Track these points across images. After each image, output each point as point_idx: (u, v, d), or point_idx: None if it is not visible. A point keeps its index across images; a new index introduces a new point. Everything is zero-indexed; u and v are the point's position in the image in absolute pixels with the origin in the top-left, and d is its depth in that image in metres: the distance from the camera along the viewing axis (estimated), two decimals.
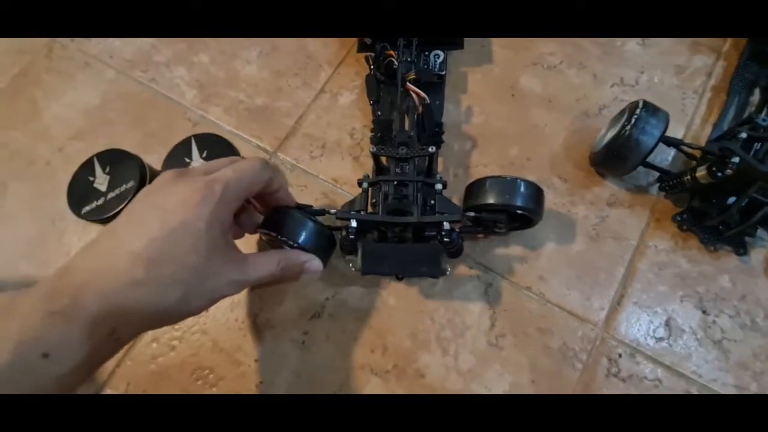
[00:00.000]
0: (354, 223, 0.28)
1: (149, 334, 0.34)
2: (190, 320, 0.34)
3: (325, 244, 0.30)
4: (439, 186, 0.30)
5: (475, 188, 0.30)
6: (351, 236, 0.29)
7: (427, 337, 0.33)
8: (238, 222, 0.30)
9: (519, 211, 0.29)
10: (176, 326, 0.34)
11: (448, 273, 0.27)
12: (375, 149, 0.31)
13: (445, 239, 0.28)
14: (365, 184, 0.31)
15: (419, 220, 0.29)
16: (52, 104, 0.43)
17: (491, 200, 0.28)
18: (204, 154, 0.35)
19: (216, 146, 0.35)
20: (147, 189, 0.24)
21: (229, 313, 0.34)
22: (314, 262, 0.29)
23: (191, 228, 0.22)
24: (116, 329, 0.21)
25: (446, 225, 0.28)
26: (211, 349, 0.34)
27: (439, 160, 0.36)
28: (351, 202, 0.31)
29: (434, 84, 0.36)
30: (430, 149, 0.30)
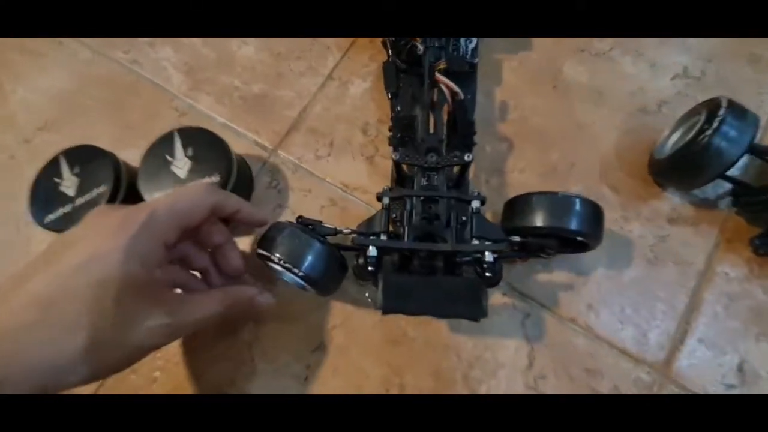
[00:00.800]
0: (374, 251, 0.23)
1: None
2: (173, 347, 0.29)
3: (335, 271, 0.25)
4: (476, 203, 0.24)
5: (518, 206, 0.24)
6: (370, 267, 0.23)
7: (453, 375, 0.28)
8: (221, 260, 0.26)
9: (574, 237, 0.23)
10: (158, 354, 0.29)
11: (488, 314, 0.22)
12: (398, 156, 0.25)
13: (487, 273, 0.23)
14: (386, 200, 0.25)
15: (455, 248, 0.23)
16: (19, 88, 0.37)
17: (540, 222, 0.23)
18: (189, 152, 0.29)
19: (204, 142, 0.29)
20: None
21: (218, 342, 0.29)
22: (264, 297, 0.25)
23: (102, 262, 0.19)
24: (4, 380, 0.17)
25: (488, 256, 0.23)
26: (198, 382, 0.29)
27: None
28: (369, 222, 0.26)
29: (465, 74, 0.30)
30: (466, 157, 0.25)
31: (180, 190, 0.23)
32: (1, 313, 0.18)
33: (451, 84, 0.27)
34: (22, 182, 0.32)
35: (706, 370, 0.27)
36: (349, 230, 0.25)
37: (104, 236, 0.20)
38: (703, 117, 0.26)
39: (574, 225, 0.23)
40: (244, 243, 0.31)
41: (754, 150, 0.26)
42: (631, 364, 0.27)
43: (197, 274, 0.27)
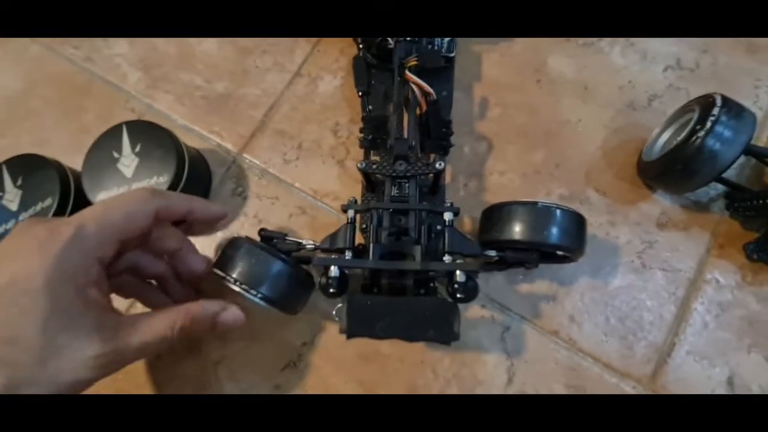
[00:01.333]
0: (336, 271, 0.21)
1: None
2: (133, 366, 0.27)
3: (298, 290, 0.23)
4: (449, 215, 0.22)
5: (495, 217, 0.22)
6: (331, 289, 0.21)
7: (429, 393, 0.26)
8: (181, 266, 0.23)
9: (555, 251, 0.21)
10: (118, 375, 0.28)
11: (460, 338, 0.21)
12: (364, 165, 0.23)
13: (458, 294, 0.21)
14: (351, 212, 0.23)
15: (423, 267, 0.21)
16: None
17: (518, 236, 0.21)
18: (137, 148, 0.27)
19: (153, 138, 0.27)
20: None
21: (180, 359, 0.27)
22: (230, 313, 0.22)
23: (21, 287, 0.17)
24: None
25: (460, 276, 0.21)
26: None
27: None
28: (333, 236, 0.24)
29: (441, 70, 0.28)
30: (437, 165, 0.22)
31: (114, 199, 0.21)
32: None
33: (422, 83, 0.24)
34: None
35: (694, 384, 0.26)
36: (312, 245, 0.23)
37: (26, 256, 0.17)
38: (695, 116, 0.24)
39: (554, 239, 0.21)
40: (209, 247, 0.29)
41: (751, 151, 0.24)
42: (615, 379, 0.26)
43: (154, 282, 0.25)
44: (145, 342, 0.20)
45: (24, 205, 0.27)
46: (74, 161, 0.29)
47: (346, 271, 0.22)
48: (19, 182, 0.27)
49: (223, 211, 0.25)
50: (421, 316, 0.21)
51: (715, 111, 0.23)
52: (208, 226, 0.27)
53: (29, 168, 0.27)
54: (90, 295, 0.19)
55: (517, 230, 0.21)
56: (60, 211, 0.26)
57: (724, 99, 0.24)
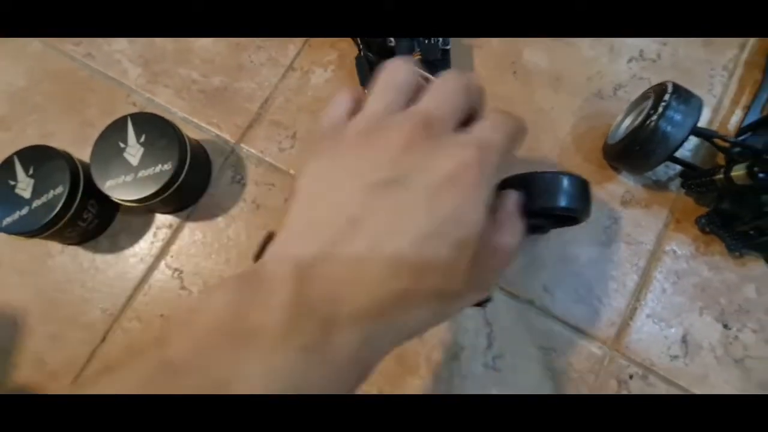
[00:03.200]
0: None
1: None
2: None
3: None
4: None
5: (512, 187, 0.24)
6: None
7: (416, 360, 0.29)
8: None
9: (566, 213, 0.23)
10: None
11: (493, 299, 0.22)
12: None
13: None
14: None
15: None
16: None
17: (539, 205, 0.22)
18: (142, 138, 0.29)
19: (157, 129, 0.29)
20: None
21: None
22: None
23: (467, 219, 0.16)
24: (368, 368, 0.16)
25: None
26: None
27: None
28: None
29: (439, 62, 0.30)
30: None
31: (498, 119, 0.19)
32: (363, 282, 0.15)
33: (428, 75, 0.27)
34: None
35: (653, 343, 0.29)
36: None
37: (465, 188, 0.16)
38: (650, 102, 0.27)
39: (567, 203, 0.22)
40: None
41: (698, 133, 0.27)
42: (584, 341, 0.29)
43: None
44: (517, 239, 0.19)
45: (36, 193, 0.28)
46: (79, 152, 0.31)
47: None
48: (31, 171, 0.29)
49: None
50: None
51: (667, 97, 0.26)
52: None
53: (40, 158, 0.29)
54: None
55: (538, 199, 0.22)
56: (70, 199, 0.28)
57: (675, 86, 0.26)
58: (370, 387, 0.29)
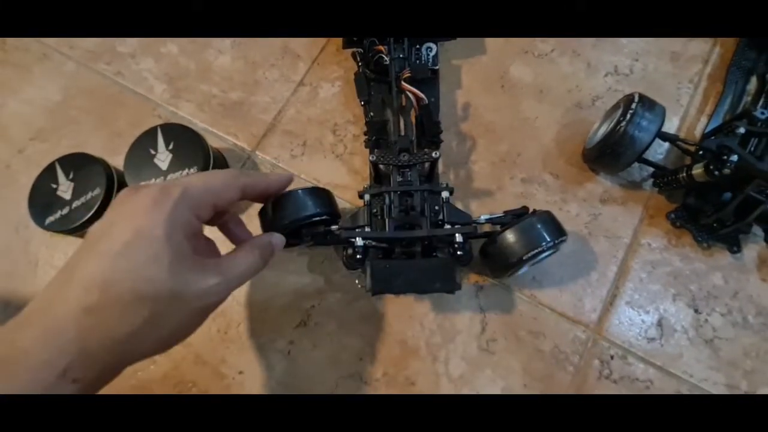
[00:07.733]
0: (360, 242, 0.27)
1: None
2: None
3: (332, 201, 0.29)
4: (446, 194, 0.28)
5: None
6: (358, 256, 0.27)
7: (417, 343, 0.32)
8: (230, 236, 0.28)
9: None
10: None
11: (461, 288, 0.26)
12: (374, 157, 0.29)
13: (458, 252, 0.27)
14: (367, 196, 0.29)
15: (430, 233, 0.27)
16: (9, 101, 0.40)
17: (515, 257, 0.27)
18: (171, 146, 0.32)
19: (183, 138, 0.32)
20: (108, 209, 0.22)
21: (210, 323, 0.33)
22: (276, 237, 0.26)
23: (147, 237, 0.19)
24: (68, 370, 0.18)
25: (459, 237, 0.27)
26: (194, 361, 0.32)
27: None
28: (353, 217, 0.29)
29: (428, 80, 0.34)
30: (434, 154, 0.28)
31: (211, 172, 0.24)
32: (59, 303, 0.18)
33: (416, 90, 0.30)
34: (18, 189, 0.35)
35: (631, 327, 0.32)
36: (337, 227, 0.29)
37: (143, 214, 0.20)
38: (620, 110, 0.30)
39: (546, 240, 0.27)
40: None
41: (663, 137, 0.30)
42: (569, 325, 0.32)
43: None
44: (244, 270, 0.23)
45: (76, 195, 0.32)
46: (111, 160, 0.34)
47: (367, 243, 0.27)
48: (71, 176, 0.32)
49: (289, 176, 0.27)
50: (429, 273, 0.26)
51: (634, 105, 0.29)
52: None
53: (78, 164, 0.33)
54: (196, 242, 0.22)
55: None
56: (107, 200, 0.32)
57: (641, 96, 0.30)
58: (375, 369, 0.31)
